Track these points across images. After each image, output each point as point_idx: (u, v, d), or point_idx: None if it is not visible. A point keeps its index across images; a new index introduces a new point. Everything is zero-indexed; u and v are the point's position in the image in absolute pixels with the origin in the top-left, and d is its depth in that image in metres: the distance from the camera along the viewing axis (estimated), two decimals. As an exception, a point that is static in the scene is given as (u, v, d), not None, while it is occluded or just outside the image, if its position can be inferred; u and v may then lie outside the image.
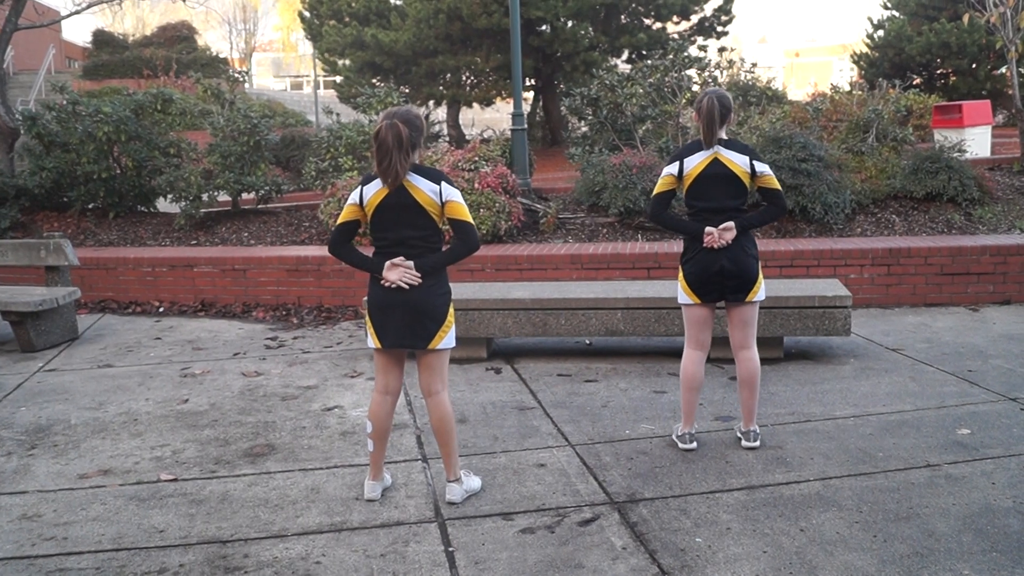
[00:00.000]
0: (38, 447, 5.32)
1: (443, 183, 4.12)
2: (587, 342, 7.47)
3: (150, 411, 5.98)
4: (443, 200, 4.09)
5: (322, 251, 9.46)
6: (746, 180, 4.74)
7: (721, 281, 4.72)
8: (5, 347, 8.02)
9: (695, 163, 4.76)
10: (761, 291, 4.81)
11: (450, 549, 3.83)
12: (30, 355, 7.71)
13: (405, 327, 4.13)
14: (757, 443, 4.88)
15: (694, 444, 4.88)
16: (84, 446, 5.31)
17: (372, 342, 4.23)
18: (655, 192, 4.90)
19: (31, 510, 4.39)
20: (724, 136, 4.79)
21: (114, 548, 3.95)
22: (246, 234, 11.01)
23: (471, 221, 4.14)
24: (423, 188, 4.08)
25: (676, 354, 6.90)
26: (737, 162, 4.72)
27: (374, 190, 4.12)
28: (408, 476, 4.67)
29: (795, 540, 3.80)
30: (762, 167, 4.76)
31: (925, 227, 9.58)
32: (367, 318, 4.23)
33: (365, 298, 4.31)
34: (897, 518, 3.96)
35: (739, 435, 4.98)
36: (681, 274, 4.84)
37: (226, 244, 10.76)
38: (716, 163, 4.73)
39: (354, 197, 4.19)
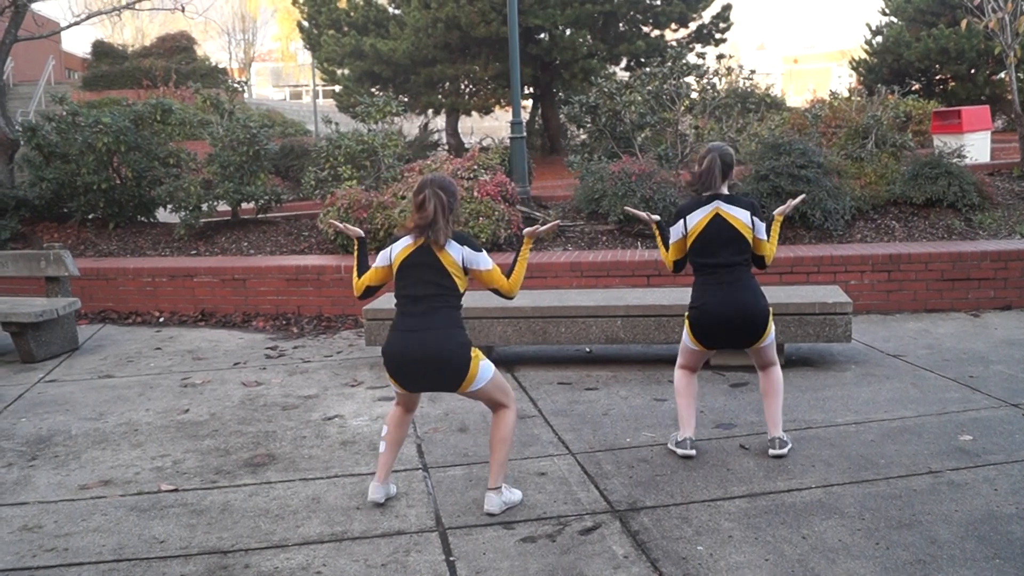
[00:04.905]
0: (39, 458, 5.31)
1: (466, 247, 4.22)
2: (587, 350, 7.47)
3: (150, 421, 5.97)
4: (466, 266, 4.21)
5: (322, 260, 9.46)
6: (748, 235, 4.73)
7: (726, 336, 4.72)
8: (5, 358, 8.01)
9: (697, 220, 4.75)
10: (771, 335, 4.78)
11: (451, 559, 3.82)
12: (30, 366, 7.70)
13: (426, 381, 4.20)
14: (784, 451, 4.82)
15: (693, 451, 4.87)
16: (85, 457, 5.30)
17: (394, 387, 4.31)
18: (673, 259, 4.90)
19: (32, 521, 4.39)
20: (725, 191, 4.79)
21: (115, 559, 3.94)
22: (246, 244, 11.01)
23: (506, 285, 4.36)
24: (449, 251, 4.17)
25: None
26: (739, 217, 4.71)
27: (402, 246, 4.22)
28: (409, 485, 4.67)
29: (797, 548, 3.79)
30: (760, 229, 4.77)
31: (925, 233, 9.58)
32: (386, 369, 4.26)
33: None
34: (899, 525, 3.95)
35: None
36: (688, 322, 4.83)
37: (226, 254, 10.75)
38: (718, 218, 4.72)
39: (383, 259, 4.31)
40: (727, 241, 4.71)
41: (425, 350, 4.11)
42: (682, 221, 4.81)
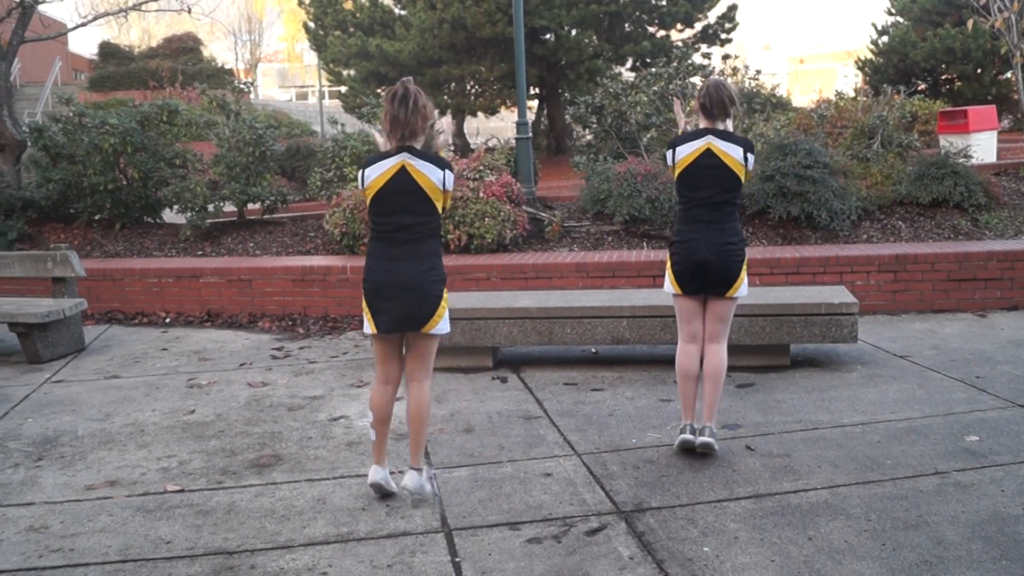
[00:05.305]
0: (45, 458, 5.32)
1: (447, 172, 4.24)
2: (593, 351, 7.46)
3: (156, 422, 5.98)
4: (445, 189, 4.24)
5: (328, 261, 9.46)
6: (740, 172, 4.70)
7: (703, 273, 4.70)
8: (12, 359, 8.03)
9: (685, 153, 4.74)
10: (742, 288, 4.77)
11: (457, 559, 3.82)
12: (37, 367, 7.71)
13: (401, 310, 4.19)
14: (712, 441, 4.75)
15: (692, 436, 4.85)
16: (91, 457, 5.31)
17: (369, 328, 4.31)
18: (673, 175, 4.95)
19: (38, 521, 4.40)
20: (721, 127, 4.77)
21: (121, 559, 3.95)
22: (252, 244, 11.02)
23: (448, 204, 4.37)
24: (428, 174, 4.18)
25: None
26: (731, 153, 4.68)
27: (376, 173, 4.20)
28: (414, 486, 4.66)
29: (803, 549, 3.78)
30: (751, 161, 4.75)
31: (931, 233, 9.56)
32: (364, 303, 4.29)
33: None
34: (906, 526, 3.95)
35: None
36: (669, 261, 4.83)
37: (232, 254, 10.76)
38: (708, 153, 4.69)
39: (360, 183, 4.30)
40: (717, 178, 4.68)
41: (404, 277, 4.16)
42: (672, 152, 4.80)
